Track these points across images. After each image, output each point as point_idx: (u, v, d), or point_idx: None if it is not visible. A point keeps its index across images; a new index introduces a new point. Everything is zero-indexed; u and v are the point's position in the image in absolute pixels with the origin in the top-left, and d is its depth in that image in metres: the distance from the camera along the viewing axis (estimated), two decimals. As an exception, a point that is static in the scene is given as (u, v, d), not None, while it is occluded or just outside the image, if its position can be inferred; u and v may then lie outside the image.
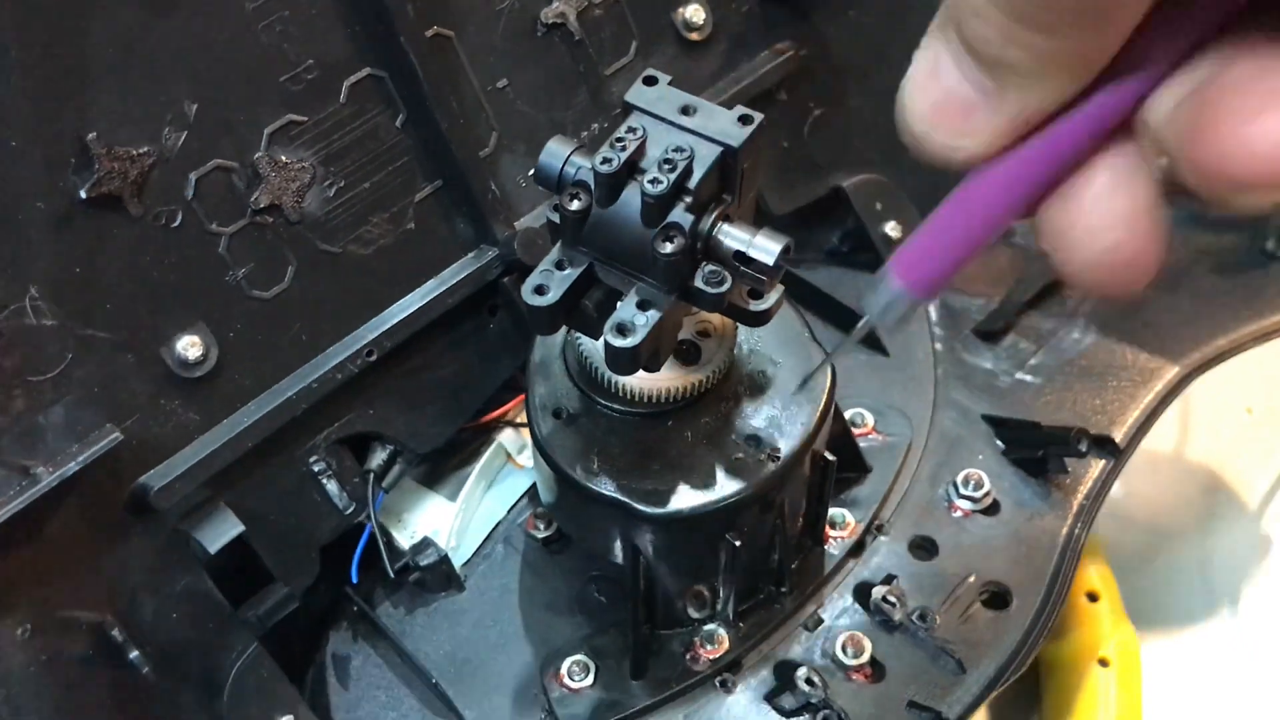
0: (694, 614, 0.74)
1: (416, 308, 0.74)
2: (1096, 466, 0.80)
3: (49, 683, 0.64)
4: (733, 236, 0.54)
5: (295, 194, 0.69)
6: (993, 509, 0.80)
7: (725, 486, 0.63)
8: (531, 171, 0.75)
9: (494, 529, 0.83)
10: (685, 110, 0.54)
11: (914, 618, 0.74)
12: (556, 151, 0.55)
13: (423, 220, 0.74)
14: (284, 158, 0.68)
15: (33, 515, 0.61)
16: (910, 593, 0.76)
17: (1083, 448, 0.77)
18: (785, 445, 0.64)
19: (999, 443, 0.83)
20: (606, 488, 0.64)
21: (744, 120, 0.54)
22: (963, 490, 0.80)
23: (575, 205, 0.54)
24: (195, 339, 0.67)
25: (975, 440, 0.84)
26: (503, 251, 0.76)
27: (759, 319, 0.59)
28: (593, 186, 0.54)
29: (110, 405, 0.65)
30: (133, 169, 0.62)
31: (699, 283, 0.55)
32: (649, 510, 0.63)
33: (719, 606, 0.73)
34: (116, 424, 0.65)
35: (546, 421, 0.67)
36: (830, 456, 0.70)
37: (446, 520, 0.82)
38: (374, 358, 0.72)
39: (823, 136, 0.92)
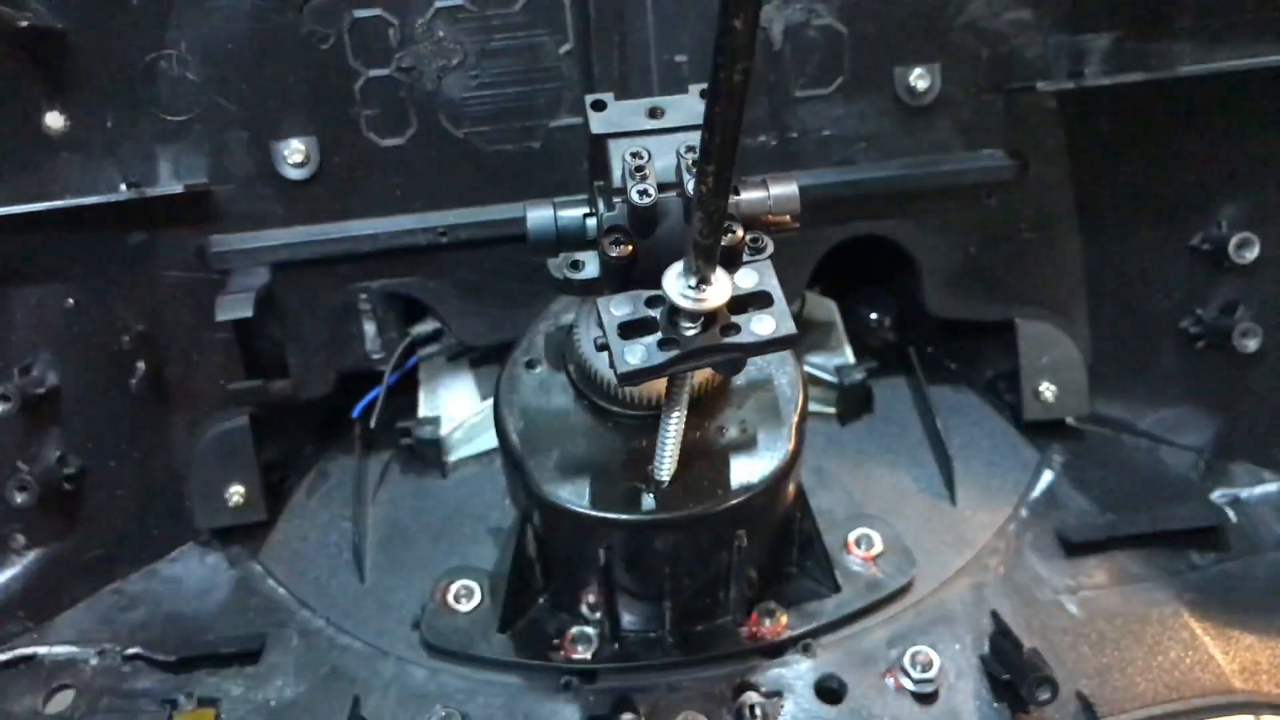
0: (584, 612, 0.74)
1: (507, 217, 0.78)
2: (1061, 728, 0.70)
3: (76, 353, 0.77)
4: (752, 198, 0.54)
5: (439, 69, 0.74)
6: (927, 699, 0.72)
7: (610, 504, 0.63)
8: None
9: (505, 444, 0.87)
10: (653, 113, 0.53)
11: (763, 745, 0.69)
12: (542, 214, 0.55)
13: (550, 146, 0.78)
14: (442, 33, 0.74)
15: (111, 214, 0.73)
16: (783, 725, 0.71)
17: (1041, 696, 0.67)
18: (696, 502, 0.63)
19: (987, 645, 0.74)
20: (520, 449, 0.66)
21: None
22: (908, 664, 0.72)
23: (618, 250, 0.53)
24: (303, 147, 0.75)
25: (966, 629, 0.75)
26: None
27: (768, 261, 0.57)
28: (628, 222, 0.54)
29: (214, 167, 0.75)
30: (303, -16, 0.70)
31: (746, 256, 0.54)
32: (537, 488, 0.64)
33: (599, 617, 0.73)
34: (214, 183, 0.75)
35: (518, 367, 0.69)
36: (744, 542, 0.66)
37: (467, 412, 0.86)
38: (445, 239, 0.77)
39: (1016, 262, 0.84)
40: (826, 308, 0.93)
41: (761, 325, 0.53)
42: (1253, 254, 0.79)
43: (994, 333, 0.88)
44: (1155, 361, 0.86)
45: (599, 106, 0.54)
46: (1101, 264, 0.84)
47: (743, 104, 0.38)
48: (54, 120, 0.72)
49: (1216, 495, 0.85)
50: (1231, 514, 0.82)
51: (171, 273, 0.77)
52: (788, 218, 0.55)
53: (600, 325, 0.54)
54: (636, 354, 0.52)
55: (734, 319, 0.53)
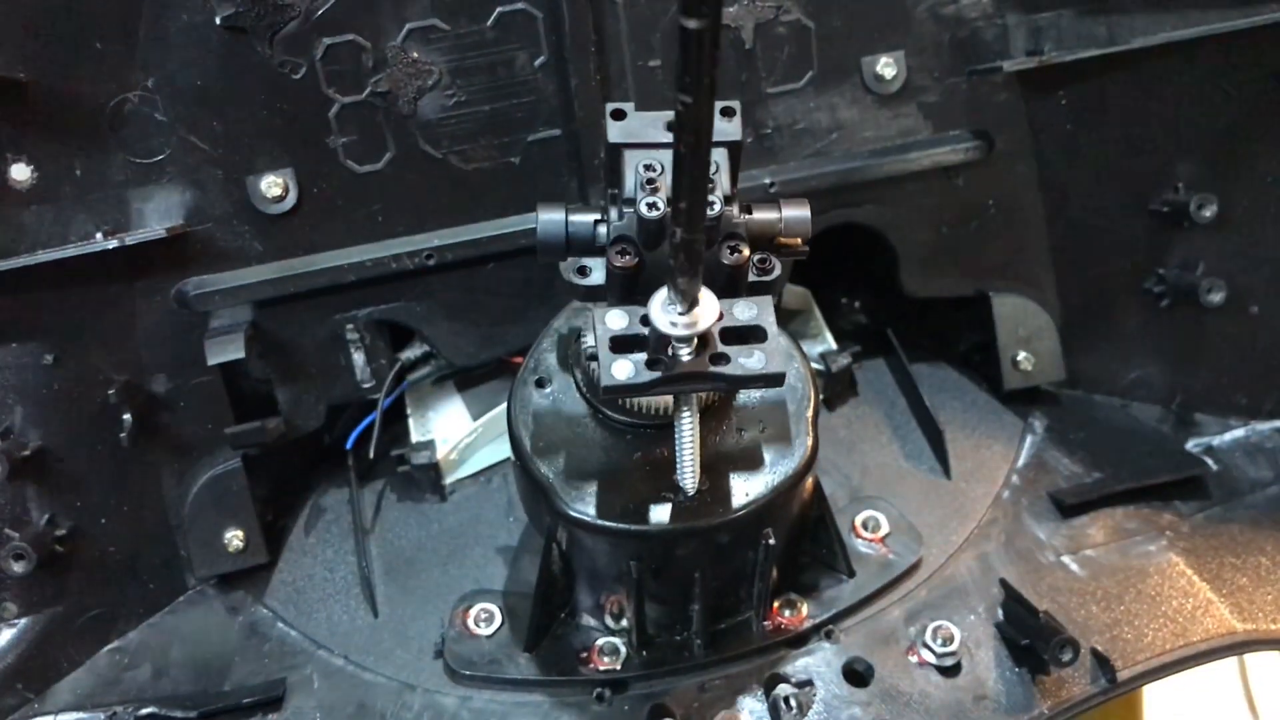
0: (608, 623, 0.74)
1: (491, 235, 0.77)
2: (1081, 685, 0.72)
3: (59, 410, 0.74)
4: (763, 218, 0.54)
5: (415, 91, 0.73)
6: (951, 671, 0.74)
7: (639, 516, 0.63)
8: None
9: (502, 461, 0.86)
10: (671, 126, 0.53)
11: (802, 732, 0.70)
12: (553, 218, 0.54)
13: (529, 160, 0.77)
14: (415, 55, 0.72)
15: (87, 264, 0.70)
16: (818, 712, 0.72)
17: (1064, 657, 0.70)
18: (721, 506, 0.63)
19: (1000, 612, 0.76)
20: (541, 469, 0.65)
21: (726, 113, 0.53)
22: (929, 639, 0.74)
23: (624, 260, 0.53)
24: (280, 181, 0.74)
25: (978, 599, 0.77)
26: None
27: (774, 286, 0.58)
28: (636, 234, 0.53)
29: (189, 207, 0.73)
30: (271, 14, 0.69)
31: (752, 276, 0.54)
32: (564, 507, 0.64)
33: (626, 625, 0.73)
34: (190, 224, 0.73)
35: (527, 387, 0.68)
36: (771, 541, 0.67)
37: (461, 433, 0.85)
38: (432, 262, 0.76)
39: (986, 237, 0.87)
40: (801, 296, 0.94)
41: (750, 360, 0.53)
42: (1211, 211, 0.82)
43: (966, 307, 0.90)
44: (1122, 322, 0.90)
45: (618, 115, 0.54)
46: (1066, 233, 0.87)
47: (708, 148, 0.38)
48: (20, 173, 0.69)
49: (1191, 445, 0.89)
50: (1210, 462, 0.86)
51: (151, 319, 0.75)
52: (798, 240, 0.55)
53: (594, 337, 0.55)
54: (624, 370, 0.53)
55: (725, 349, 0.53)
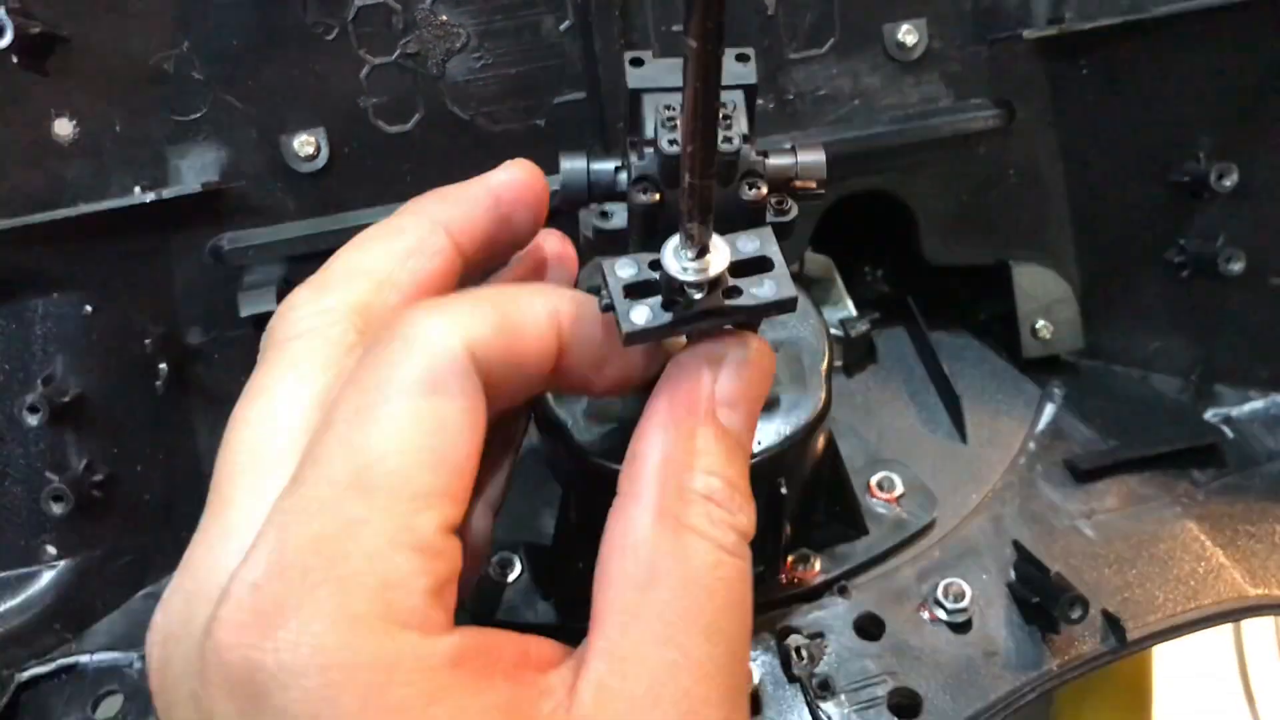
0: (626, 573, 0.76)
1: (516, 195, 0.79)
2: (1091, 643, 0.73)
3: (97, 360, 0.77)
4: (779, 162, 0.55)
5: (443, 53, 0.75)
6: (962, 628, 0.75)
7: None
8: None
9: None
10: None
11: (814, 683, 0.72)
12: (576, 165, 0.55)
13: (554, 122, 0.79)
14: (444, 17, 0.74)
15: (126, 218, 0.73)
16: (829, 662, 0.73)
17: (1073, 614, 0.71)
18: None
19: (1012, 572, 0.77)
20: (559, 413, 0.67)
21: (741, 58, 0.54)
22: (940, 596, 0.76)
23: (646, 197, 0.53)
24: (312, 140, 0.76)
25: (991, 559, 0.78)
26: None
27: (790, 227, 0.59)
28: (658, 171, 0.55)
29: (225, 164, 0.75)
30: (306, -24, 0.71)
31: (770, 216, 0.56)
32: (581, 448, 0.66)
33: (642, 576, 0.75)
34: (225, 181, 0.75)
35: None
36: (784, 490, 0.69)
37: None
38: (458, 221, 0.78)
39: (1007, 206, 0.87)
40: (823, 264, 0.95)
41: (762, 289, 0.54)
42: (1231, 181, 0.83)
43: (986, 276, 0.91)
44: (1141, 293, 0.90)
45: (637, 63, 0.55)
46: (1087, 203, 0.88)
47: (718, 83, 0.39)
48: (62, 127, 0.72)
49: (1209, 415, 0.89)
50: (1228, 431, 0.86)
51: (187, 273, 0.77)
52: (814, 184, 0.56)
53: (606, 287, 0.56)
54: (642, 314, 0.54)
55: (735, 282, 0.55)
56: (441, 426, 0.43)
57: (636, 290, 0.54)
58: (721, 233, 0.53)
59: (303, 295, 0.50)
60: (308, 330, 0.48)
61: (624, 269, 0.55)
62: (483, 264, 0.57)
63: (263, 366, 0.49)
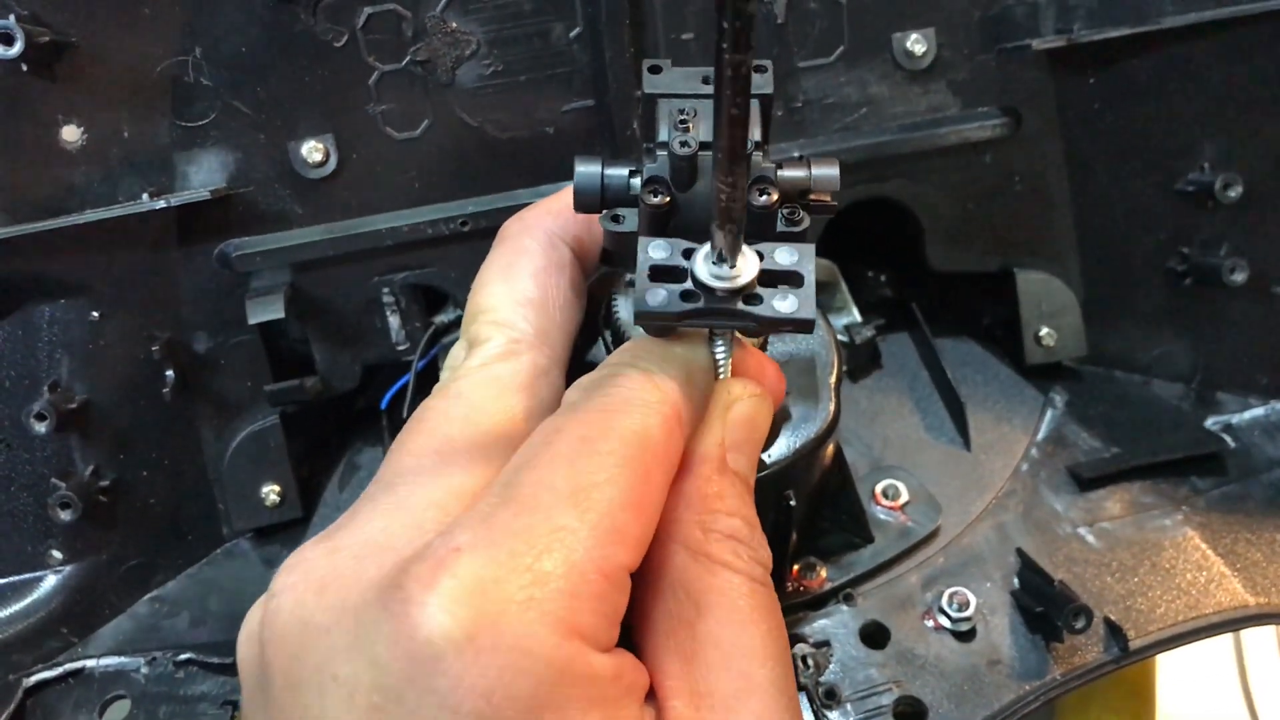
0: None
1: (526, 202, 0.78)
2: (1094, 652, 0.74)
3: (104, 366, 0.77)
4: (792, 174, 0.55)
5: (453, 60, 0.75)
6: (966, 636, 0.76)
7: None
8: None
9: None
10: (707, 79, 0.55)
11: (820, 691, 0.72)
12: (590, 169, 0.55)
13: (563, 130, 0.79)
14: (454, 24, 0.74)
15: (133, 224, 0.73)
16: (834, 671, 0.74)
17: (1077, 624, 0.71)
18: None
19: (1016, 580, 0.78)
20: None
21: (758, 69, 0.54)
22: (944, 604, 0.76)
23: (657, 199, 0.53)
24: (321, 146, 0.76)
25: (995, 567, 0.79)
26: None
27: (802, 239, 0.59)
28: (669, 174, 0.55)
29: (233, 170, 0.75)
30: (315, -17, 0.70)
31: (780, 226, 0.56)
32: None
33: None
34: (233, 187, 0.75)
35: None
36: (793, 502, 0.69)
37: (490, 398, 0.87)
38: (467, 228, 0.78)
39: (1012, 214, 0.88)
40: (828, 269, 0.96)
41: (784, 304, 0.54)
42: (1236, 192, 0.83)
43: (990, 282, 0.91)
44: (1144, 300, 0.91)
45: (655, 70, 0.56)
46: (1091, 211, 0.88)
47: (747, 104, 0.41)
48: (70, 134, 0.71)
49: (1210, 423, 0.90)
50: (1228, 440, 0.87)
51: (194, 279, 0.77)
52: (828, 196, 0.56)
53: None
54: (658, 297, 0.54)
55: (760, 290, 0.55)
56: (646, 479, 0.45)
57: (661, 274, 0.54)
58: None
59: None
60: (510, 353, 0.55)
61: (657, 250, 0.55)
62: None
63: (464, 379, 0.53)
